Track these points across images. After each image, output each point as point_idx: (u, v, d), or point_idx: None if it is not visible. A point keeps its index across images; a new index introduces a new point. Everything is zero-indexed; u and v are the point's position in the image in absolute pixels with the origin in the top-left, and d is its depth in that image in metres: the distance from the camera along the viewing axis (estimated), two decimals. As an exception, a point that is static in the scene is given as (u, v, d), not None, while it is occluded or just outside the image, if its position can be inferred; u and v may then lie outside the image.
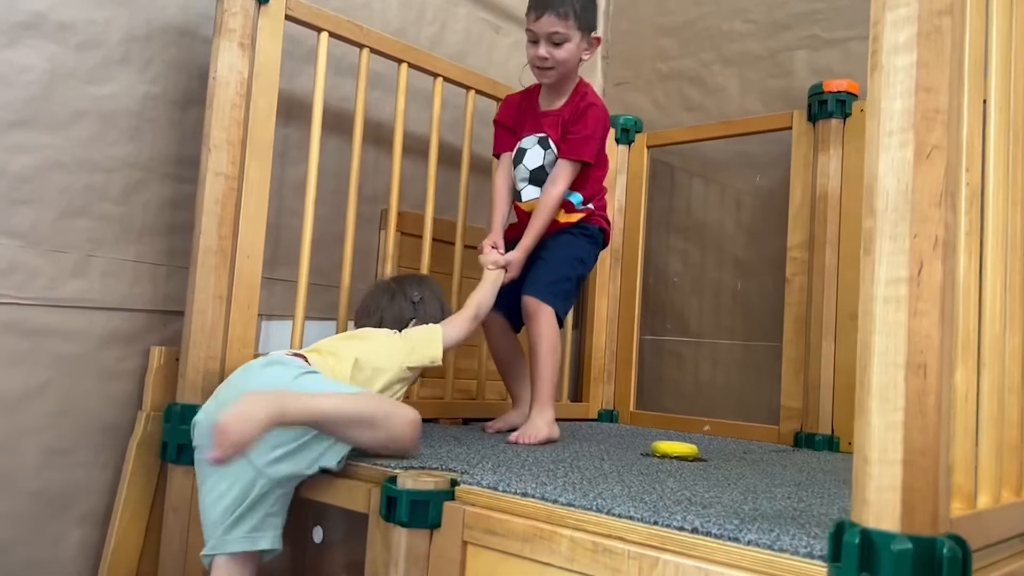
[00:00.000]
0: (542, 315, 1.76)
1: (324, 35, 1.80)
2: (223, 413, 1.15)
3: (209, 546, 1.29)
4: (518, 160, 1.90)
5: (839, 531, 0.78)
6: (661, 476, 1.33)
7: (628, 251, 2.46)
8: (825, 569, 0.81)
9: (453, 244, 2.08)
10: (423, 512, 1.14)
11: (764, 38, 2.39)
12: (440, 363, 1.62)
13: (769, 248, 2.31)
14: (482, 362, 2.10)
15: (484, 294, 1.76)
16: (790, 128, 2.20)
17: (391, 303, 1.72)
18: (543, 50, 1.80)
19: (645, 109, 2.59)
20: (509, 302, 1.84)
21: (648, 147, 2.47)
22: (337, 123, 1.95)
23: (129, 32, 1.67)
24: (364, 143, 1.90)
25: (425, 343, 1.61)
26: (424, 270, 1.99)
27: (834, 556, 0.78)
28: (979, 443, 0.94)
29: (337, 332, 1.84)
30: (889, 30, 0.79)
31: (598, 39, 1.88)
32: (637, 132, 2.49)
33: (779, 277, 2.22)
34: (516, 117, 1.95)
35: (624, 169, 2.49)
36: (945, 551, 0.73)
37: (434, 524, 1.13)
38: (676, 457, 1.59)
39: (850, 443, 1.98)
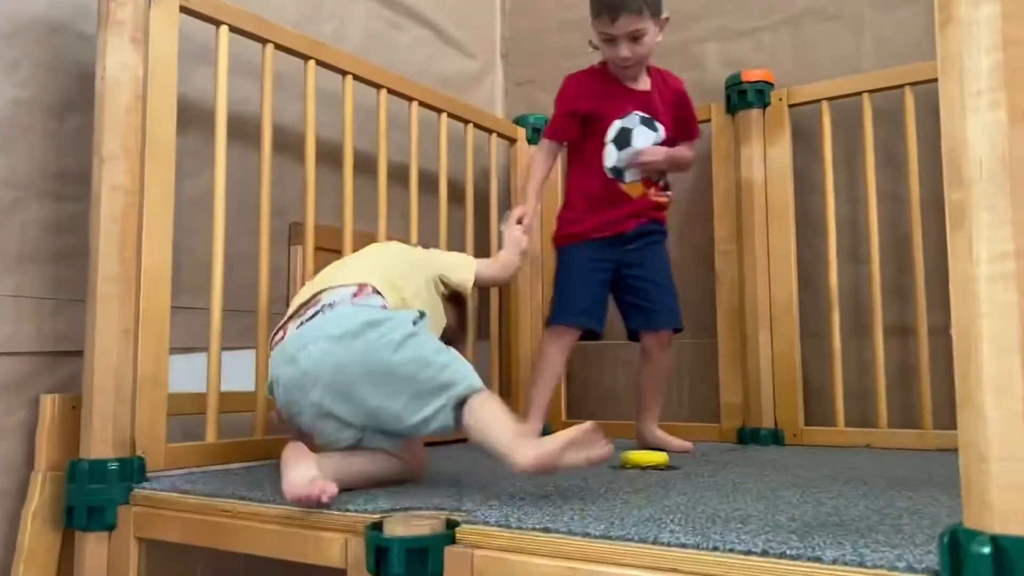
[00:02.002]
0: (670, 345, 1.89)
1: (224, 29, 1.60)
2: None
3: None
4: (622, 141, 1.83)
5: (955, 540, 0.70)
6: (659, 491, 1.23)
7: (550, 256, 2.35)
8: (940, 585, 0.72)
9: (373, 257, 1.90)
10: (422, 562, 0.98)
11: (673, 30, 2.32)
12: (468, 291, 1.53)
13: (692, 243, 2.27)
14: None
15: (510, 255, 1.69)
16: (709, 121, 2.16)
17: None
18: (625, 50, 1.78)
19: (552, 108, 2.49)
20: (601, 315, 1.86)
21: (562, 146, 2.38)
22: (234, 128, 1.74)
23: (-9, 28, 1.42)
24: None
25: (456, 263, 1.54)
26: (345, 287, 1.81)
27: (954, 570, 0.69)
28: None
29: (256, 362, 1.64)
30: (965, -20, 0.72)
31: (667, 19, 1.83)
32: (549, 131, 2.40)
33: (706, 272, 2.18)
34: (595, 100, 1.86)
35: (538, 170, 2.38)
36: (1089, 552, 0.65)
37: (436, 575, 0.98)
38: (650, 467, 1.50)
39: (795, 435, 1.99)
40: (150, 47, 1.44)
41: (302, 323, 1.27)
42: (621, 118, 1.84)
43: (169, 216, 1.48)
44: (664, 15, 1.81)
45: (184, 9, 1.52)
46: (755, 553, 0.82)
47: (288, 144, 1.83)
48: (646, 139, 1.83)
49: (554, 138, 1.91)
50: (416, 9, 2.35)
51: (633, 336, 1.90)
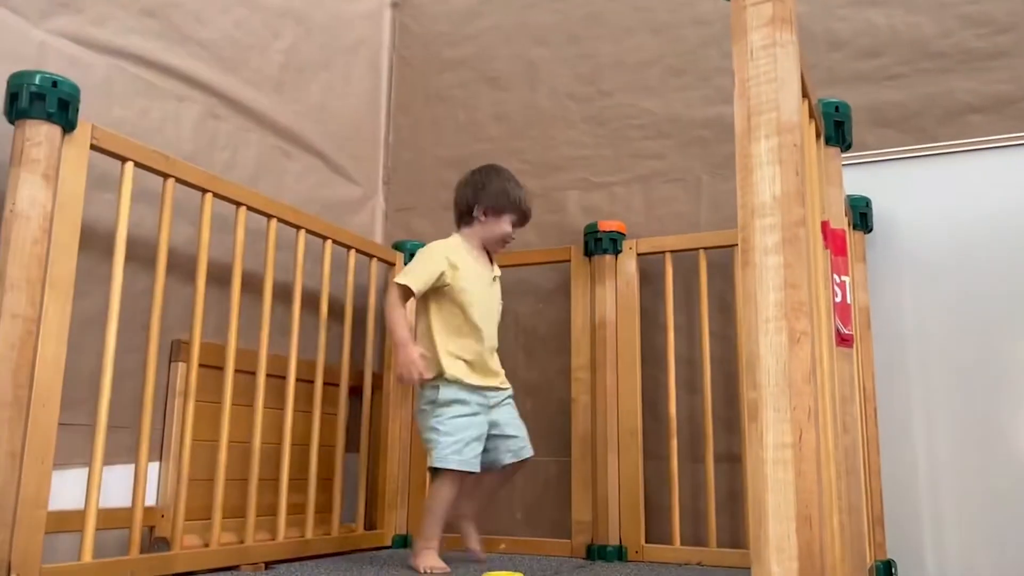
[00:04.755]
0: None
1: (129, 165, 1.72)
2: None
3: None
4: None
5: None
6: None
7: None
8: None
9: (254, 374, 2.01)
10: None
11: (539, 177, 2.62)
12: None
13: (551, 369, 2.49)
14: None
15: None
16: (568, 261, 2.42)
17: (463, 189, 2.17)
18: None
19: (428, 234, 2.68)
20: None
21: (436, 273, 2.57)
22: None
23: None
24: (152, 270, 1.80)
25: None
26: (226, 404, 1.91)
27: None
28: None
29: (136, 477, 1.71)
30: (759, 235, 0.96)
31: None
32: (424, 258, 2.59)
33: (563, 395, 2.40)
34: None
35: (413, 294, 2.56)
36: None
37: None
38: (509, 586, 1.65)
39: (637, 552, 2.19)
40: (59, 184, 1.54)
41: None
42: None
43: (64, 341, 1.55)
44: None
45: (95, 147, 1.62)
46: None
47: (172, 263, 1.91)
48: None
49: None
50: (305, 139, 2.52)
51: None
